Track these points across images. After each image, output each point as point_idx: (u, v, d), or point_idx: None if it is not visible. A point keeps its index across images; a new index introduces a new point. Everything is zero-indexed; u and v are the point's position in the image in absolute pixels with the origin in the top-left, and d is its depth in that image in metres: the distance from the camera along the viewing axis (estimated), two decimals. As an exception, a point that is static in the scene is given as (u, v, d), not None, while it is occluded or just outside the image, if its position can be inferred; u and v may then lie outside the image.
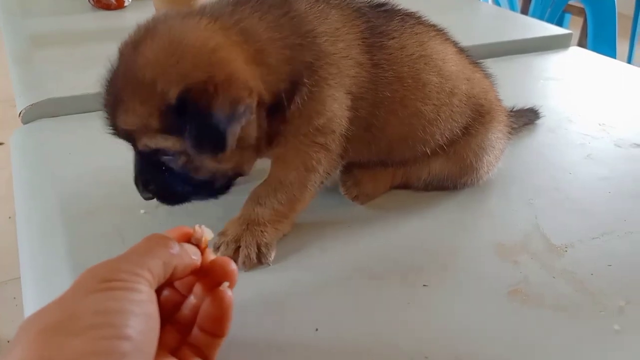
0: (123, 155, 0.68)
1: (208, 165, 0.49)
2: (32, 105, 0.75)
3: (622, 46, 3.53)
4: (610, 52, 1.68)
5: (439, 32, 0.62)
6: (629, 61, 3.58)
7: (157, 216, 0.58)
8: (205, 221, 0.57)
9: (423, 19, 0.62)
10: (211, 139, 0.44)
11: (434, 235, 0.57)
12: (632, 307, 0.48)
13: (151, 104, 0.44)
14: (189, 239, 0.42)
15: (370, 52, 0.54)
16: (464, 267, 0.53)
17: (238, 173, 0.52)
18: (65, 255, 0.53)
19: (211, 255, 0.42)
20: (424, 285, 0.50)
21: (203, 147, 0.45)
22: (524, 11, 2.23)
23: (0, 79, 1.89)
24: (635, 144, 0.75)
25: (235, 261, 0.49)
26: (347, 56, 0.52)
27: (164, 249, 0.37)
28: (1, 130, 2.39)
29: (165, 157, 0.48)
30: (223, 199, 0.54)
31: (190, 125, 0.44)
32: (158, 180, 0.50)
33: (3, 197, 2.01)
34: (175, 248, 0.38)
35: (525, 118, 0.78)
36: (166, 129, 0.45)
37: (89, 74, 0.85)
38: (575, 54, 1.10)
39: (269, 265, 0.51)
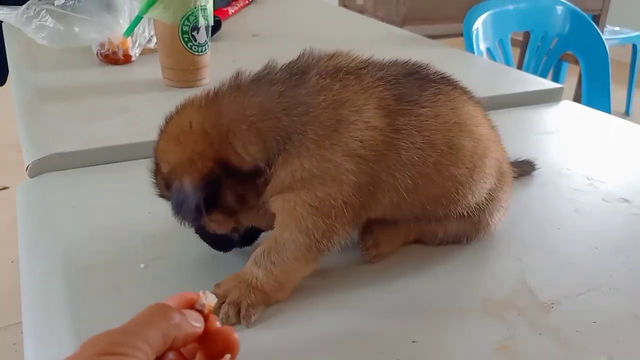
0: (125, 209, 0.71)
1: (214, 227, 0.57)
2: (38, 159, 0.78)
3: (620, 93, 3.59)
4: (605, 100, 1.72)
5: (470, 96, 0.64)
6: (627, 108, 3.64)
7: (157, 270, 0.60)
8: (202, 277, 0.59)
9: (457, 82, 0.63)
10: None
11: (422, 291, 0.58)
12: (615, 365, 0.49)
13: (161, 180, 0.57)
14: (192, 304, 0.43)
15: (392, 118, 0.55)
16: (452, 322, 0.54)
17: (257, 229, 0.61)
18: (65, 307, 0.55)
19: (216, 322, 0.44)
20: (413, 342, 0.51)
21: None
22: (521, 60, 2.28)
23: (5, 125, 1.93)
24: (622, 198, 0.77)
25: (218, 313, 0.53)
26: (353, 121, 0.53)
27: (164, 320, 0.38)
28: (5, 174, 2.43)
29: None
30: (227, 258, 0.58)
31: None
32: (205, 233, 0.60)
33: (6, 241, 2.03)
34: (176, 318, 0.39)
35: (520, 169, 0.80)
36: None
37: (96, 127, 0.89)
38: (567, 107, 1.13)
39: (248, 327, 0.52)
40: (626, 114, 3.64)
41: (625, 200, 0.77)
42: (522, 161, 0.82)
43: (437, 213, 0.61)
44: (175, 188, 0.54)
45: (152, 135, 0.86)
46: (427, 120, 0.56)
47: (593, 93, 1.73)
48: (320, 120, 0.53)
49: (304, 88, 0.54)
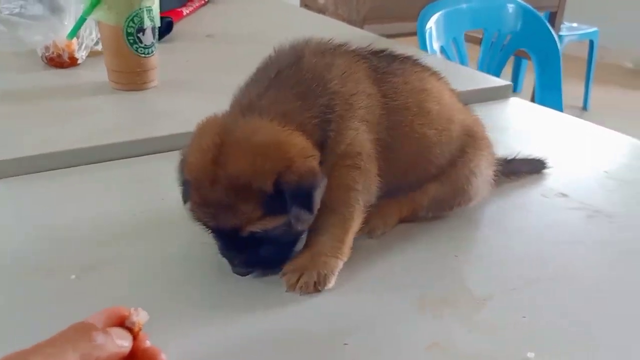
0: (61, 218, 0.69)
1: (302, 226, 0.57)
2: (-24, 168, 0.76)
3: (579, 88, 3.67)
4: (557, 95, 1.75)
5: (434, 73, 0.72)
6: (585, 103, 3.71)
7: (87, 282, 0.59)
8: (131, 288, 0.58)
9: (419, 61, 0.72)
10: (306, 206, 0.55)
11: (358, 290, 0.59)
12: (539, 358, 0.50)
13: (252, 200, 0.54)
14: (122, 321, 0.42)
15: (378, 85, 0.64)
16: (386, 322, 0.54)
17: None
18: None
19: (145, 341, 0.43)
20: (345, 344, 0.51)
21: (302, 215, 0.55)
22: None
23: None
24: (561, 193, 0.79)
25: (295, 287, 0.57)
26: (356, 92, 0.61)
27: (85, 341, 0.37)
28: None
29: (263, 234, 0.56)
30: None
31: (290, 202, 0.54)
32: (255, 255, 0.58)
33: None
34: (99, 338, 0.37)
35: (531, 166, 0.84)
36: (268, 213, 0.54)
37: (39, 133, 0.88)
38: (514, 104, 1.15)
39: (321, 291, 0.58)
40: (584, 108, 3.71)
41: (564, 195, 0.78)
42: (533, 159, 0.84)
43: (416, 176, 0.69)
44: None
45: (97, 140, 0.86)
46: (400, 87, 0.65)
47: (546, 88, 1.76)
48: (340, 94, 0.60)
49: (319, 68, 0.61)
